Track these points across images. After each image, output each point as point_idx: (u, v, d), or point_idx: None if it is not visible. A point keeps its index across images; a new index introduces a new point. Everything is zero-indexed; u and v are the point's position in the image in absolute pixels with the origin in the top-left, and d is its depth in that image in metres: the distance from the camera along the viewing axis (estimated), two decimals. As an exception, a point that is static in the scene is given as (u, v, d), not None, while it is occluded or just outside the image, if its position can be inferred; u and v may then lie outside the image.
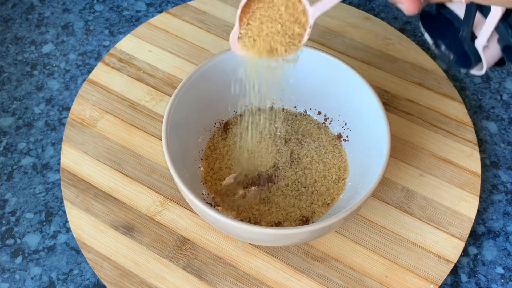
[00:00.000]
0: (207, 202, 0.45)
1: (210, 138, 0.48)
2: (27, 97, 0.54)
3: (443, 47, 0.39)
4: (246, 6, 0.36)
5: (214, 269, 0.44)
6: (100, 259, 0.44)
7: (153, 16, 0.60)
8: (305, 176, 0.46)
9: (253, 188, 0.45)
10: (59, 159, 0.50)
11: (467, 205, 0.47)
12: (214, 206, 0.45)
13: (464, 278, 0.45)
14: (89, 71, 0.56)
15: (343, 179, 0.46)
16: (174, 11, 0.59)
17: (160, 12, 0.61)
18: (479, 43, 0.36)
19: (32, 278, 0.44)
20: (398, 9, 0.62)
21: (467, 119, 0.52)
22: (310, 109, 0.50)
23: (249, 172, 0.46)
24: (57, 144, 0.51)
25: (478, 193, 0.48)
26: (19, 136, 0.52)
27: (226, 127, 0.49)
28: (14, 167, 0.50)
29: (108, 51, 0.57)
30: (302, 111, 0.50)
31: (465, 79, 0.57)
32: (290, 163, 0.47)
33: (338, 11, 0.59)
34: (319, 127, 0.49)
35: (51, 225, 0.47)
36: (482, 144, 0.52)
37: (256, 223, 0.44)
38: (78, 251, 0.46)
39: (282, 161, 0.47)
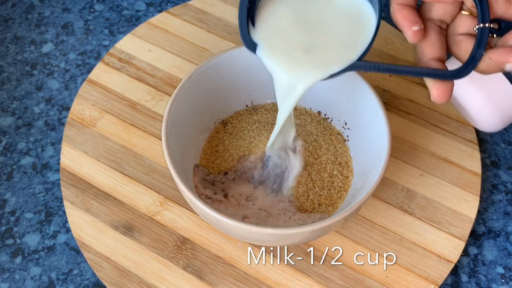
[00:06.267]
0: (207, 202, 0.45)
1: (209, 137, 0.48)
2: (27, 97, 0.54)
3: None
4: None
5: (214, 269, 0.44)
6: (100, 259, 0.44)
7: (153, 15, 0.60)
8: (308, 176, 0.46)
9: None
10: (59, 159, 0.50)
11: (467, 205, 0.47)
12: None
13: (464, 278, 0.45)
14: (89, 71, 0.56)
15: (348, 179, 0.46)
16: (174, 10, 0.59)
17: (160, 11, 0.61)
18: None
19: (31, 278, 0.44)
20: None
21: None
22: (310, 108, 0.50)
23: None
24: (56, 144, 0.51)
25: (479, 193, 0.47)
26: (18, 136, 0.52)
27: (225, 126, 0.49)
28: (14, 167, 0.50)
29: (108, 50, 0.57)
30: (302, 111, 0.50)
31: (465, 79, 0.57)
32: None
33: (338, 10, 0.59)
34: (319, 127, 0.49)
35: (51, 225, 0.47)
36: (482, 144, 0.52)
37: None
38: (78, 251, 0.46)
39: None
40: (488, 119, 0.46)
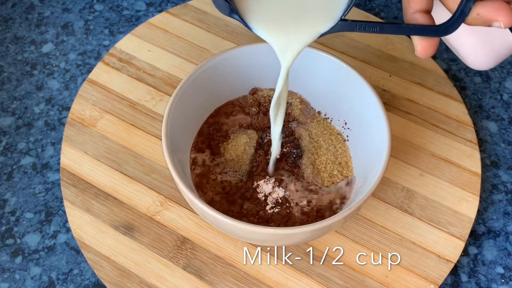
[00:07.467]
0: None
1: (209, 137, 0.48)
2: (27, 97, 0.54)
3: None
4: None
5: (214, 269, 0.44)
6: (100, 259, 0.44)
7: (153, 15, 0.60)
8: (308, 175, 0.46)
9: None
10: (59, 159, 0.50)
11: (467, 205, 0.47)
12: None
13: (464, 278, 0.45)
14: (89, 71, 0.56)
15: (348, 178, 0.46)
16: (174, 10, 0.59)
17: (160, 11, 0.61)
18: None
19: (32, 278, 0.44)
20: (398, 9, 0.62)
21: (467, 119, 0.52)
22: (310, 108, 0.50)
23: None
24: (57, 144, 0.51)
25: (478, 193, 0.47)
26: (19, 136, 0.52)
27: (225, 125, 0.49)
28: (14, 166, 0.50)
29: (108, 50, 0.57)
30: (303, 111, 0.50)
31: (465, 79, 0.57)
32: (293, 163, 0.46)
33: (338, 10, 0.59)
34: (319, 127, 0.49)
35: (51, 225, 0.47)
36: (482, 144, 0.52)
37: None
38: (78, 251, 0.46)
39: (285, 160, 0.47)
40: (479, 60, 0.44)
